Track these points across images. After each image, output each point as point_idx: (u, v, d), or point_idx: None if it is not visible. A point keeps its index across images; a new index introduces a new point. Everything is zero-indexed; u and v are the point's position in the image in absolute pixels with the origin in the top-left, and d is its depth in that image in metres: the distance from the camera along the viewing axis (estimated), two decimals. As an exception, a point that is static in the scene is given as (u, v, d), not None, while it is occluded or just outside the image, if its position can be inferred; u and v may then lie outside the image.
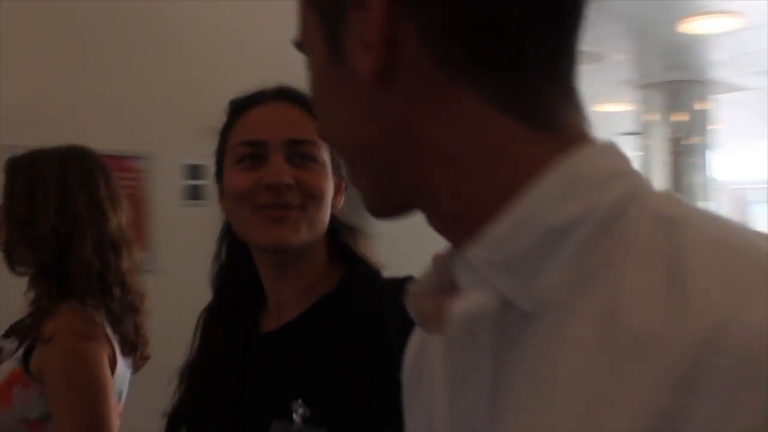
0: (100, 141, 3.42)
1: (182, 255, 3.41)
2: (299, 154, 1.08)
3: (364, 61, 0.41)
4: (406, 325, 0.59)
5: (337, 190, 1.14)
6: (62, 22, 3.43)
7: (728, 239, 0.38)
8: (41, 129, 3.18)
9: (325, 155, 1.09)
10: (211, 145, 1.18)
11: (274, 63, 3.81)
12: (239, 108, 1.13)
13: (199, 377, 1.16)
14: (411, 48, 0.41)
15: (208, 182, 3.56)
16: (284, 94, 1.13)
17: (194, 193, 3.55)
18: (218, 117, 1.16)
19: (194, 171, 3.52)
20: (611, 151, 0.44)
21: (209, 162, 1.17)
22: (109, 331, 1.60)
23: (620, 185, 0.41)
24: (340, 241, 1.15)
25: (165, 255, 3.45)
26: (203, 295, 1.22)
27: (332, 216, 1.13)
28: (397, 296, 0.59)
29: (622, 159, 0.44)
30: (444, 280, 0.46)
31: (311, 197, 1.07)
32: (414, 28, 0.41)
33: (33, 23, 3.36)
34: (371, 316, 1.03)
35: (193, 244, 3.55)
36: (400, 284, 0.95)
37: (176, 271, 3.37)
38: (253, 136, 1.09)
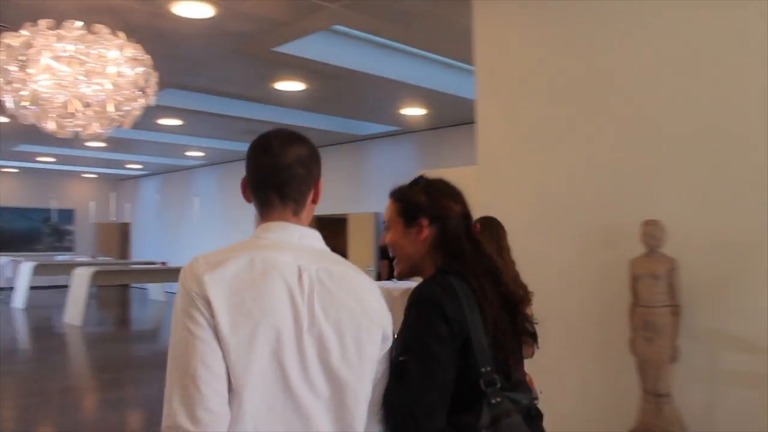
0: None
1: None
2: (386, 225, 1.94)
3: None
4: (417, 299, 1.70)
5: (418, 232, 1.84)
6: None
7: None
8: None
9: (395, 219, 1.88)
10: None
11: None
12: None
13: None
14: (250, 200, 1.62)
15: None
16: (391, 194, 1.95)
17: None
18: None
19: None
20: (270, 230, 1.52)
21: None
22: None
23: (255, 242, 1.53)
24: (437, 257, 1.83)
25: None
26: None
27: (437, 241, 1.84)
28: (429, 288, 1.71)
29: (265, 230, 1.53)
30: None
31: (392, 247, 1.90)
32: (248, 195, 1.62)
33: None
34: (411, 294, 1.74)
35: None
36: (440, 283, 1.72)
37: None
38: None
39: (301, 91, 8.56)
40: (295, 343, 1.38)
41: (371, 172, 12.69)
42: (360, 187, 12.83)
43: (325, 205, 13.71)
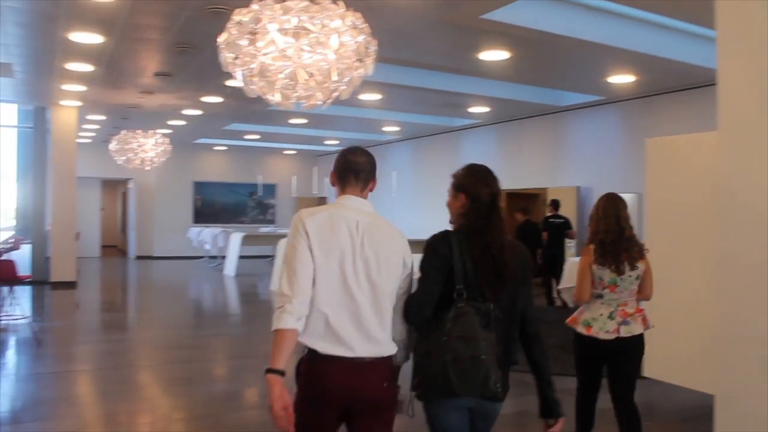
0: None
1: None
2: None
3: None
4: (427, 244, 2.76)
5: (459, 202, 2.76)
6: None
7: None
8: None
9: (450, 191, 2.81)
10: None
11: None
12: None
13: None
14: (335, 183, 2.71)
15: None
16: (452, 174, 2.85)
17: None
18: None
19: None
20: (344, 198, 2.63)
21: None
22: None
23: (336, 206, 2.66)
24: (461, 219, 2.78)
25: None
26: None
27: (466, 209, 2.75)
28: (433, 238, 2.74)
29: (343, 198, 2.65)
30: None
31: (448, 208, 2.84)
32: (335, 180, 2.71)
33: None
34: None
35: None
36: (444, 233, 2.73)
37: None
38: None
39: (504, 60, 8.32)
40: (352, 261, 2.45)
41: (571, 144, 12.20)
42: (560, 159, 12.43)
43: (521, 179, 13.52)
